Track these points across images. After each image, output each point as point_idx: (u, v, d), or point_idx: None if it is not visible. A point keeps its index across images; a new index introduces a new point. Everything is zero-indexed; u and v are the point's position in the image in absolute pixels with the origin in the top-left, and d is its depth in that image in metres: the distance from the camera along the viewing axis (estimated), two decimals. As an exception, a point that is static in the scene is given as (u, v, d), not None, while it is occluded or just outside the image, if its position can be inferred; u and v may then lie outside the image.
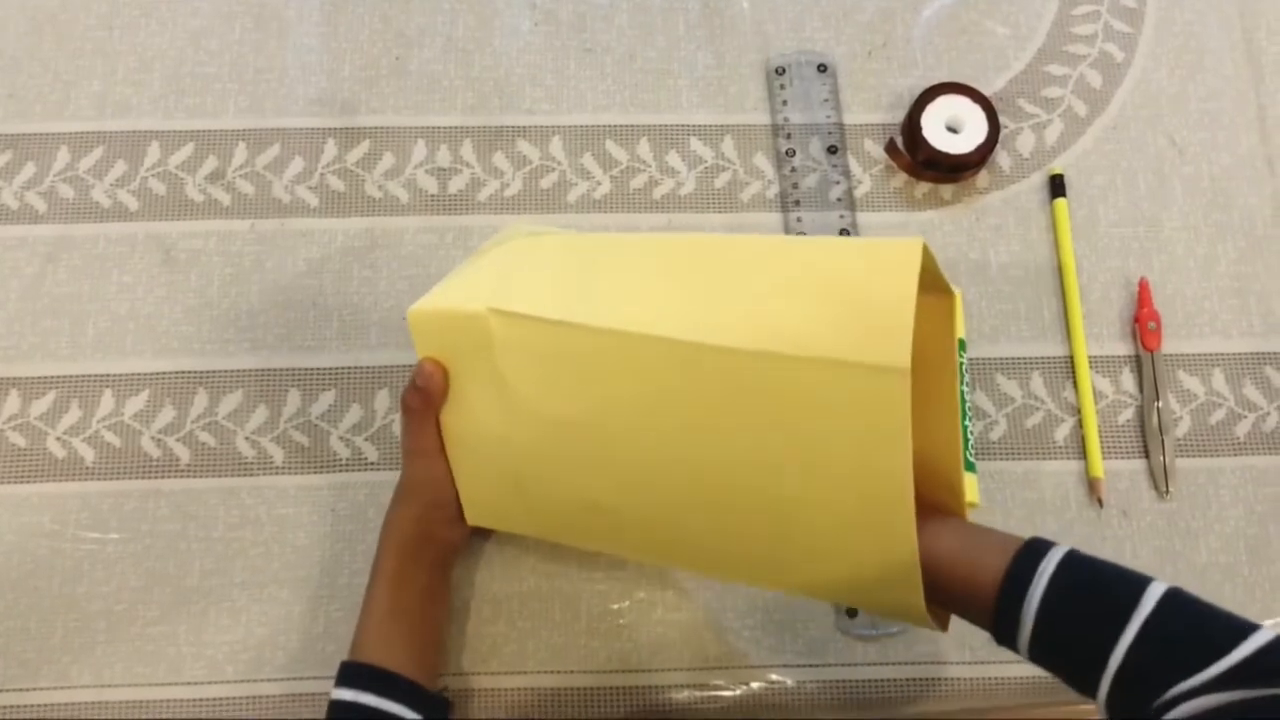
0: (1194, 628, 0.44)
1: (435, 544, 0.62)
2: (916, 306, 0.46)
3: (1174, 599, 0.45)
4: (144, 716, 0.64)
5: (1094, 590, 0.47)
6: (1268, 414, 0.72)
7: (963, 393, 0.68)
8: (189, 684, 0.65)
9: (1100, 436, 0.70)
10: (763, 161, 0.77)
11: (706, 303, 0.51)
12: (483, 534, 0.67)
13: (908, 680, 0.65)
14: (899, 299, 0.46)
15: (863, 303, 0.47)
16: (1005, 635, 0.49)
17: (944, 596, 0.51)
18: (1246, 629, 0.43)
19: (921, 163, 0.75)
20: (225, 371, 0.71)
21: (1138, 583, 0.46)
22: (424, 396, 0.58)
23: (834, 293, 0.48)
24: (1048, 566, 0.48)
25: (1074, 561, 0.48)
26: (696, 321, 0.50)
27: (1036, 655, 0.48)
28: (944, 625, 0.55)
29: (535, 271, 0.57)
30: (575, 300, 0.54)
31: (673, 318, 0.51)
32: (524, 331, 0.54)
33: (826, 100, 0.78)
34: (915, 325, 0.46)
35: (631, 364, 0.52)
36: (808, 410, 0.48)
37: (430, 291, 0.58)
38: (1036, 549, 0.49)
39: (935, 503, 0.56)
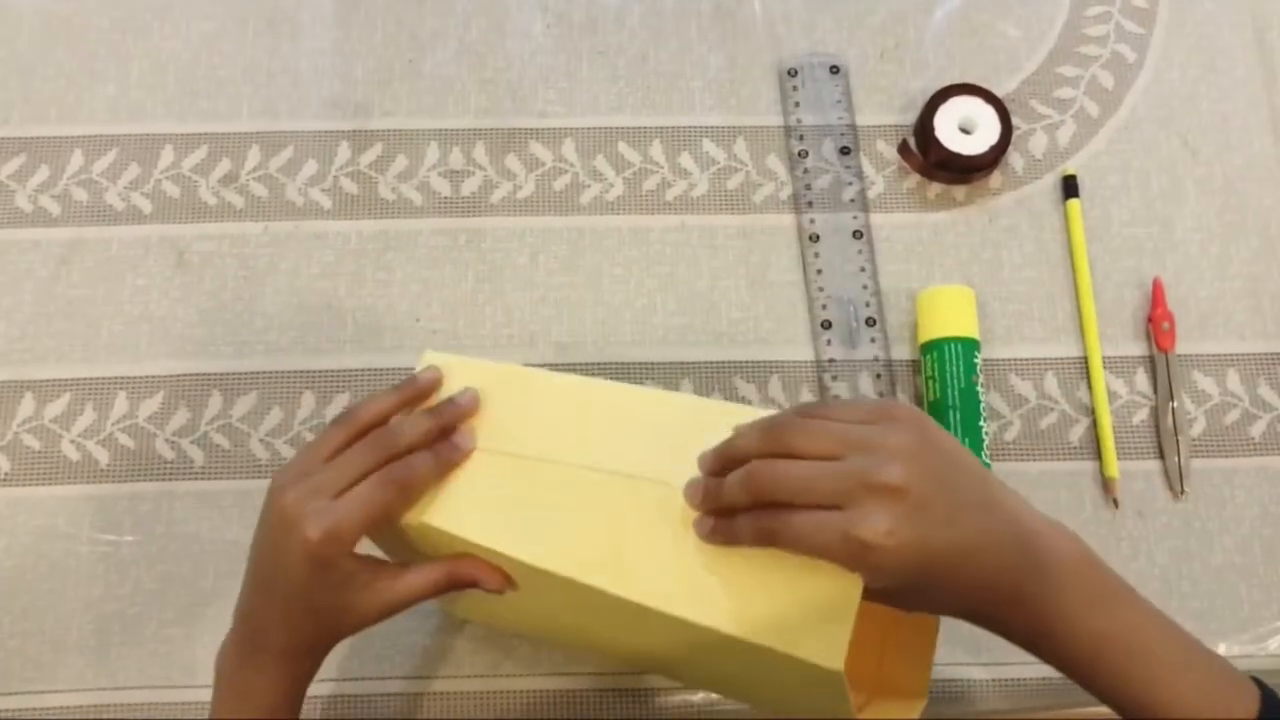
0: None
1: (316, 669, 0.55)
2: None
3: None
4: (159, 718, 0.64)
5: None
6: (1282, 414, 0.72)
7: (978, 393, 0.68)
8: (204, 686, 0.64)
9: (1115, 437, 0.70)
10: (775, 163, 0.77)
11: (651, 559, 0.48)
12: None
13: (923, 681, 0.65)
14: (843, 597, 0.44)
15: (807, 597, 0.46)
16: None
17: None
18: None
19: (934, 164, 0.75)
20: (239, 374, 0.71)
21: None
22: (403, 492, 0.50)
23: (780, 577, 0.47)
24: None
25: None
26: (636, 578, 0.47)
27: None
28: None
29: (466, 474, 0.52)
30: (507, 523, 0.50)
31: (613, 568, 0.48)
32: (449, 543, 0.51)
33: (839, 102, 0.78)
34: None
35: (569, 596, 0.50)
36: (753, 662, 0.48)
37: None
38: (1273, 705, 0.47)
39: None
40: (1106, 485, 0.69)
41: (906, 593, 0.45)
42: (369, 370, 0.71)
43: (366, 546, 0.52)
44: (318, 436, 0.52)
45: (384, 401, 0.53)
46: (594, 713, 0.65)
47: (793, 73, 0.79)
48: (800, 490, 0.44)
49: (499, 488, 0.51)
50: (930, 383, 0.69)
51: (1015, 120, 0.76)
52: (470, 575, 0.51)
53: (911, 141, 0.77)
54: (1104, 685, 0.47)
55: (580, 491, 0.50)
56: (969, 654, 0.66)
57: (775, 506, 0.45)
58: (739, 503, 0.46)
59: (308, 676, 0.54)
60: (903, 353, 0.72)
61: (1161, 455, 0.70)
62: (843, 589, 0.44)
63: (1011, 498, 0.47)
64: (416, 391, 0.54)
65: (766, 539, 0.45)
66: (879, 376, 0.71)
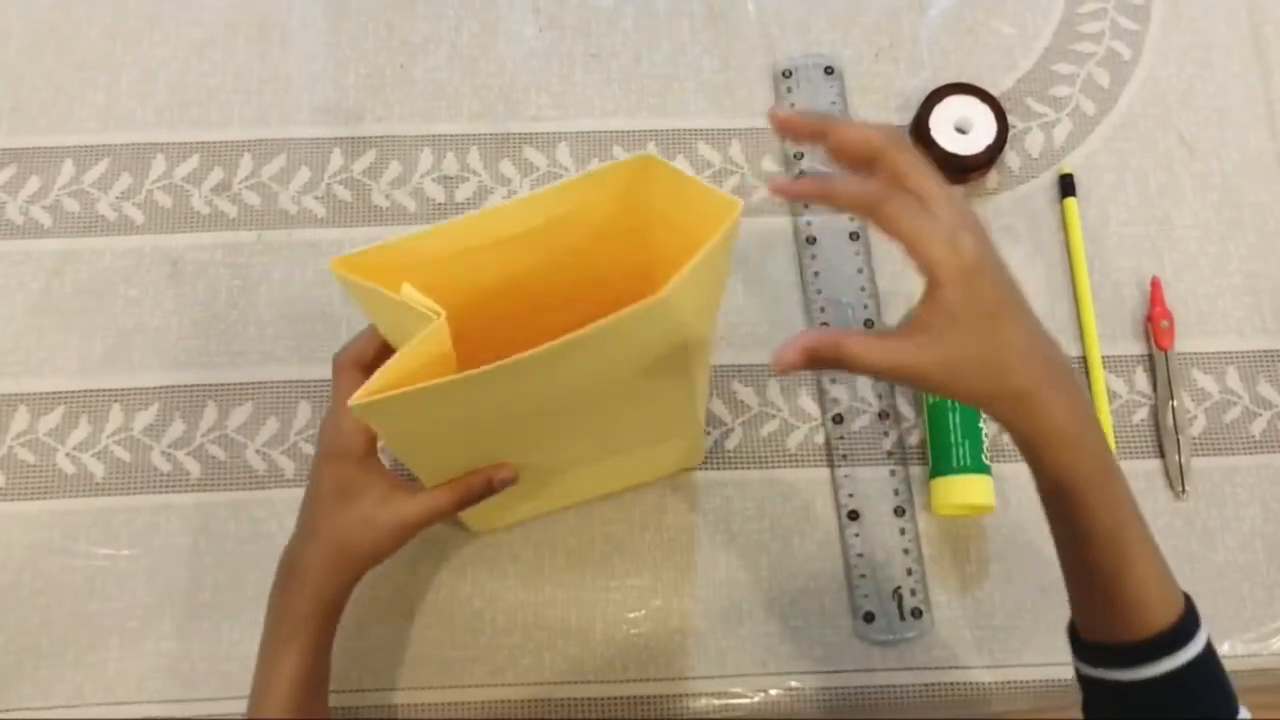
0: None
1: (347, 594, 0.58)
2: None
3: None
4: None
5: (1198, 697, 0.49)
6: (1282, 411, 0.71)
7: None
8: (204, 700, 0.64)
9: (1115, 436, 0.70)
10: (771, 165, 0.76)
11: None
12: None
13: (925, 685, 0.65)
14: None
15: None
16: (1106, 659, 0.50)
17: (1089, 578, 0.51)
18: None
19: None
20: (234, 384, 0.71)
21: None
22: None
23: None
24: (1190, 651, 0.49)
25: (1207, 658, 0.49)
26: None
27: (1106, 699, 0.51)
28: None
29: None
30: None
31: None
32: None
33: (834, 103, 0.77)
34: None
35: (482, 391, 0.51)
36: (607, 368, 0.52)
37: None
38: (1190, 627, 0.49)
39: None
40: (1107, 485, 0.69)
41: (968, 335, 0.49)
42: (365, 379, 0.70)
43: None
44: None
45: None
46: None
47: (787, 74, 0.78)
48: (926, 186, 0.50)
49: None
50: (929, 385, 0.69)
51: (1011, 119, 0.76)
52: (482, 481, 0.56)
53: (907, 142, 0.76)
54: (1065, 511, 0.51)
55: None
56: (972, 657, 0.66)
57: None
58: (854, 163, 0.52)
59: (334, 604, 0.57)
60: (901, 354, 0.72)
61: (1162, 454, 0.70)
62: None
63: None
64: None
65: (877, 202, 0.50)
66: (877, 378, 0.71)
